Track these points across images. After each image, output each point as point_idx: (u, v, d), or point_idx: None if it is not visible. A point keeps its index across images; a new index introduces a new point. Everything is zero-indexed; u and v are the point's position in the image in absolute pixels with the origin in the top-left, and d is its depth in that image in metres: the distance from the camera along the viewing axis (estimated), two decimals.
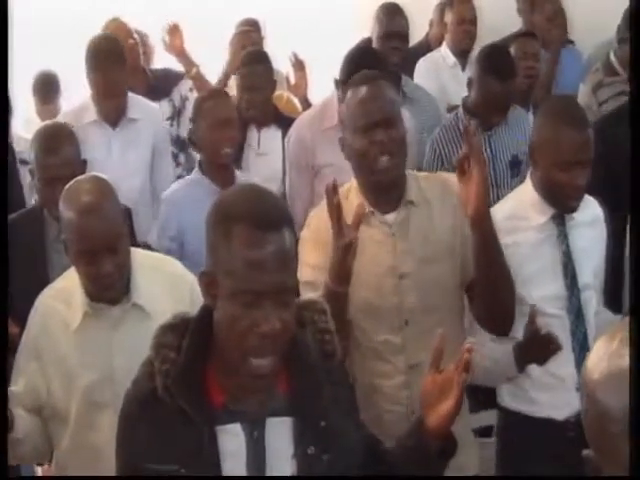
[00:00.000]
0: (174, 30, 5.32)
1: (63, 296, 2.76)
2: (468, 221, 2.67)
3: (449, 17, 5.64)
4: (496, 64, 4.18)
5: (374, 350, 2.80)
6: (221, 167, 3.91)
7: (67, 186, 2.73)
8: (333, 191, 2.56)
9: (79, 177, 2.80)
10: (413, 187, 2.84)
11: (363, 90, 2.79)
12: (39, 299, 2.82)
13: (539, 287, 2.96)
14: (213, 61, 5.65)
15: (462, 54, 5.57)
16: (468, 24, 5.58)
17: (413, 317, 2.79)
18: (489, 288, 2.72)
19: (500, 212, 3.05)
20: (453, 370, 2.03)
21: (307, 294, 2.56)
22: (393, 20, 4.81)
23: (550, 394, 2.99)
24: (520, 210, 3.03)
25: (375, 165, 2.73)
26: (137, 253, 2.80)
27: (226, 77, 5.49)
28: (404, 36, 4.84)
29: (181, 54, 5.31)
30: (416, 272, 2.79)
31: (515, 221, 3.01)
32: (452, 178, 2.94)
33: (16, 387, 2.76)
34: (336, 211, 2.55)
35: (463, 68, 5.55)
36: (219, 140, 3.88)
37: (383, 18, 4.83)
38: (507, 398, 3.08)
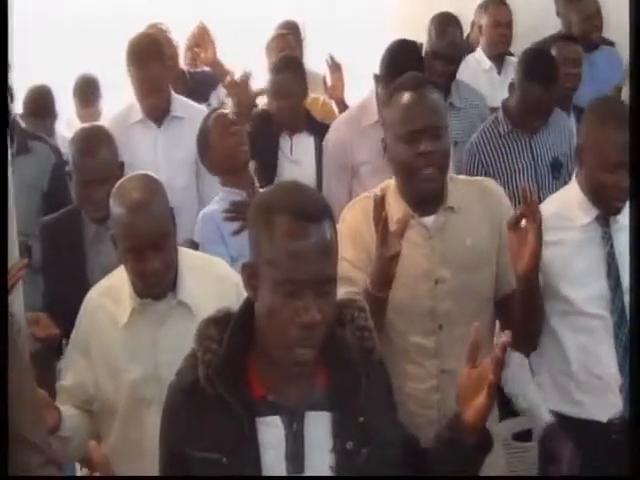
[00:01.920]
0: (206, 42, 5.28)
1: (111, 293, 2.79)
2: (516, 275, 2.68)
3: (484, 20, 5.59)
4: (539, 69, 4.13)
5: (406, 352, 2.78)
6: (239, 172, 3.84)
7: (118, 183, 2.76)
8: (381, 204, 2.56)
9: (131, 174, 2.83)
10: (453, 192, 2.81)
11: (408, 95, 2.73)
12: (88, 296, 2.85)
13: (582, 287, 2.94)
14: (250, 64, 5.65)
15: (497, 58, 5.51)
16: (503, 27, 5.49)
17: (447, 322, 2.76)
18: (523, 323, 2.74)
19: (546, 210, 3.02)
20: (489, 365, 2.01)
21: (344, 289, 2.57)
22: (443, 37, 4.70)
23: (593, 395, 2.96)
24: (565, 209, 3.01)
25: (419, 176, 2.71)
26: (184, 252, 2.82)
27: None
28: (450, 58, 4.70)
29: (214, 64, 5.32)
30: (452, 278, 2.76)
31: (560, 220, 2.99)
32: (491, 185, 2.95)
33: (65, 382, 2.81)
34: (382, 222, 2.55)
35: (499, 72, 5.49)
36: (231, 142, 3.82)
37: (433, 34, 4.73)
38: (549, 399, 3.04)
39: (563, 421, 3.01)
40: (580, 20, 5.37)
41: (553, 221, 2.94)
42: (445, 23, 4.74)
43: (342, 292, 2.56)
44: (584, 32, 5.29)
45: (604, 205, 2.94)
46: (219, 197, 3.94)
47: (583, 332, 2.95)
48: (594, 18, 5.45)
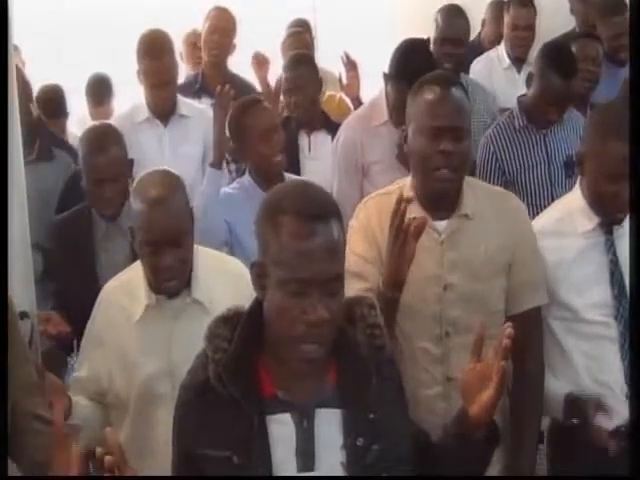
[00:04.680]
0: (262, 62, 5.44)
1: (127, 288, 2.81)
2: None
3: (506, 18, 5.53)
4: (559, 60, 4.12)
5: (413, 356, 2.77)
6: (272, 173, 3.86)
7: (139, 177, 2.79)
8: (400, 200, 2.54)
9: (152, 170, 2.84)
10: (471, 199, 2.78)
11: (437, 90, 2.71)
12: (104, 290, 2.87)
13: (584, 294, 2.90)
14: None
15: (516, 59, 5.46)
16: (522, 30, 5.41)
17: (454, 330, 2.74)
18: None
19: (549, 216, 3.02)
20: (492, 358, 2.01)
21: (354, 285, 2.59)
22: (450, 24, 4.72)
23: None
24: (568, 215, 2.97)
25: (435, 175, 2.68)
26: (200, 251, 2.82)
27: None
28: (459, 41, 4.72)
29: (263, 85, 5.37)
30: (461, 285, 2.74)
31: (563, 225, 2.96)
32: (512, 199, 2.92)
33: (79, 373, 2.84)
34: (399, 219, 2.53)
35: (519, 70, 5.44)
36: (268, 151, 3.82)
37: (440, 22, 4.75)
38: (555, 406, 2.97)
39: (568, 427, 2.94)
40: (609, 38, 5.28)
41: (556, 227, 2.92)
42: (450, 14, 4.77)
43: (354, 288, 2.58)
44: (612, 50, 5.22)
45: (605, 215, 2.91)
46: (239, 185, 3.94)
47: (587, 339, 2.91)
48: (622, 37, 5.39)
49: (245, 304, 2.08)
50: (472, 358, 2.04)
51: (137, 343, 2.75)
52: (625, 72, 5.18)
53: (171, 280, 2.71)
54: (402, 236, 2.53)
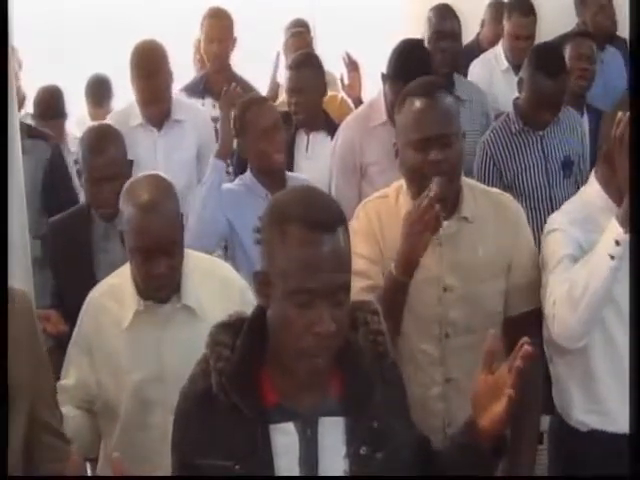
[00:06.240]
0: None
1: (114, 293, 2.78)
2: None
3: (507, 25, 5.51)
4: (546, 61, 4.13)
5: (413, 358, 2.77)
6: (272, 172, 3.89)
7: (130, 180, 2.75)
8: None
9: (145, 173, 2.81)
10: (470, 202, 2.79)
11: (420, 102, 2.71)
12: (91, 295, 2.84)
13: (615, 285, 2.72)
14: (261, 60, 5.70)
15: (516, 66, 5.47)
16: (523, 40, 5.41)
17: (454, 331, 2.76)
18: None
19: (571, 212, 2.88)
20: (506, 373, 1.98)
21: (357, 283, 2.57)
22: (443, 21, 4.75)
23: (622, 403, 2.70)
24: (593, 211, 2.82)
25: (427, 184, 2.67)
26: (189, 255, 2.78)
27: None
28: (455, 35, 4.76)
29: None
30: (461, 287, 2.75)
31: (592, 221, 2.79)
32: (509, 202, 2.92)
33: (66, 380, 2.80)
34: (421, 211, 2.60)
35: (517, 72, 5.43)
36: (268, 148, 3.83)
37: (433, 19, 4.78)
38: (576, 411, 2.86)
39: (588, 434, 2.83)
40: (593, 14, 5.33)
41: (585, 223, 2.79)
42: (443, 11, 4.80)
43: (357, 286, 2.56)
44: (597, 25, 5.26)
45: None
46: (240, 182, 3.95)
47: (608, 332, 2.77)
48: (605, 9, 5.41)
49: (235, 309, 2.06)
50: (483, 371, 2.01)
51: (127, 349, 2.71)
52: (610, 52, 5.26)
53: (162, 288, 2.69)
54: (420, 222, 2.57)
